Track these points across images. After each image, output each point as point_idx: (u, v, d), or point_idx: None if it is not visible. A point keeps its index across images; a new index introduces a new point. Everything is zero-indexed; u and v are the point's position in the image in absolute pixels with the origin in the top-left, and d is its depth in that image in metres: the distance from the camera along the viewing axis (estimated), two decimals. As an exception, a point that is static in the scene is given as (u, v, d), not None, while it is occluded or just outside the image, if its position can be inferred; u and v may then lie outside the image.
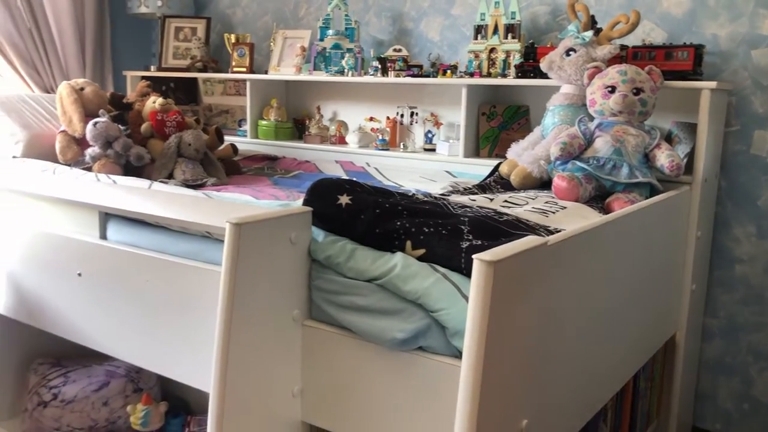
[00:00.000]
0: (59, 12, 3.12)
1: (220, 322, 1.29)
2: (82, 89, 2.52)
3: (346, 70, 2.75)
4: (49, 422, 2.09)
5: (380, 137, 2.74)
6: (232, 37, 3.18)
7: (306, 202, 1.43)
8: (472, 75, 2.51)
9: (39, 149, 2.42)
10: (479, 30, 2.53)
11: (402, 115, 2.82)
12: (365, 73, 2.76)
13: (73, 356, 2.22)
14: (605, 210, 1.85)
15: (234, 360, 1.32)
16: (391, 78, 2.64)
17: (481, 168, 2.40)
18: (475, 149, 2.59)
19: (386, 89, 2.86)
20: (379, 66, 2.68)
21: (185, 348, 1.57)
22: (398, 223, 1.36)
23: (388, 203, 1.40)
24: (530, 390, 1.21)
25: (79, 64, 3.22)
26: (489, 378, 1.07)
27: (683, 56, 2.10)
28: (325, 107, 3.06)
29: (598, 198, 1.93)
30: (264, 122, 3.02)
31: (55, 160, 2.36)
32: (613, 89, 1.99)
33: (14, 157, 2.38)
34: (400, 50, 2.72)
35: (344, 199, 1.41)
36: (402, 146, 2.75)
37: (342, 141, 2.88)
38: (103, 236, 1.75)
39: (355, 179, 1.51)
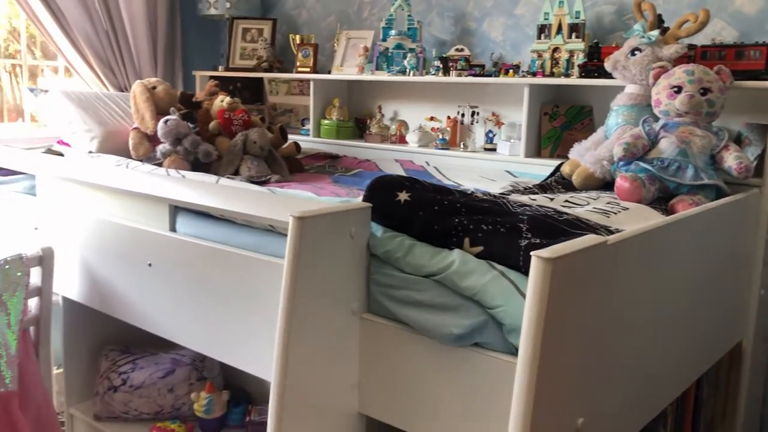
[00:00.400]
0: (134, 14, 3.25)
1: (282, 313, 1.33)
2: (154, 88, 2.62)
3: (407, 70, 2.78)
4: (119, 406, 2.19)
5: (440, 136, 2.76)
6: (297, 38, 3.24)
7: (366, 198, 1.46)
8: (534, 75, 2.50)
9: (113, 145, 2.53)
10: (543, 29, 2.51)
11: (463, 115, 2.82)
12: (427, 73, 2.78)
13: (141, 344, 2.31)
14: (669, 212, 1.82)
15: (294, 351, 1.35)
16: (453, 77, 2.65)
17: (542, 168, 2.38)
18: (537, 149, 2.57)
19: (447, 89, 2.88)
20: (441, 66, 2.70)
21: (247, 337, 1.62)
22: (456, 220, 1.38)
23: (446, 200, 1.42)
24: (587, 389, 1.21)
25: (151, 63, 3.34)
26: (544, 375, 1.07)
27: (755, 55, 2.04)
28: (387, 107, 3.09)
29: (662, 200, 1.90)
30: (326, 121, 3.08)
31: (129, 156, 2.46)
32: (679, 89, 1.95)
33: (90, 152, 2.49)
34: (462, 50, 2.73)
35: (403, 196, 1.43)
36: (462, 146, 2.75)
37: (402, 140, 2.91)
38: (173, 228, 1.83)
39: (414, 177, 1.53)
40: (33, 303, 2.03)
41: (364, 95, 3.18)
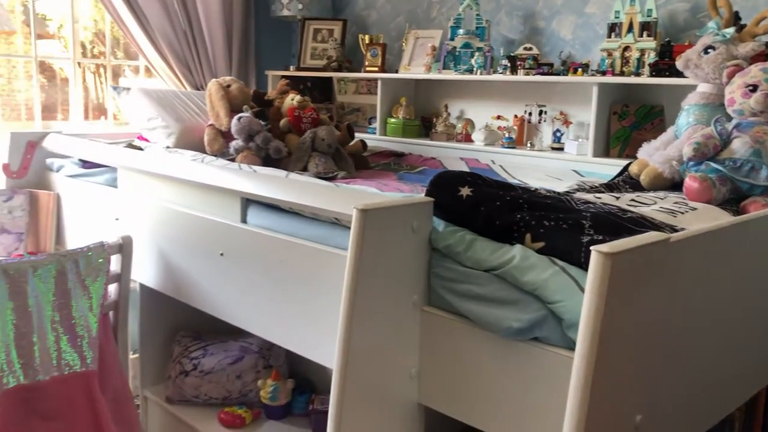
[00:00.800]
0: (210, 15, 3.38)
1: (345, 303, 1.37)
2: (228, 87, 2.71)
3: (474, 69, 2.79)
4: (190, 390, 2.28)
5: (506, 135, 2.76)
6: (366, 38, 3.30)
7: (428, 193, 1.49)
8: (604, 73, 2.47)
9: (189, 141, 2.63)
10: (613, 28, 2.48)
11: (530, 114, 2.81)
12: (494, 72, 2.78)
13: (212, 331, 2.40)
14: (740, 213, 1.78)
15: (356, 340, 1.39)
16: (520, 76, 2.65)
17: (609, 168, 2.35)
18: (605, 149, 2.54)
19: (515, 88, 2.87)
20: (509, 64, 2.70)
21: (312, 326, 1.67)
22: (518, 216, 1.39)
23: (509, 196, 1.44)
24: (646, 386, 1.21)
25: (226, 63, 3.46)
26: (601, 370, 1.08)
27: (837, 53, 1.96)
28: (453, 105, 3.11)
29: (733, 201, 1.85)
30: (393, 120, 3.12)
31: (203, 151, 2.56)
32: (754, 88, 1.90)
33: (167, 147, 2.61)
34: (530, 48, 2.72)
35: (465, 191, 1.45)
36: (529, 145, 2.75)
37: (468, 139, 2.92)
38: (244, 220, 1.90)
39: (477, 173, 1.55)
40: (113, 288, 2.15)
41: (431, 94, 3.21)
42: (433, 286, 1.48)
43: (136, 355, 2.51)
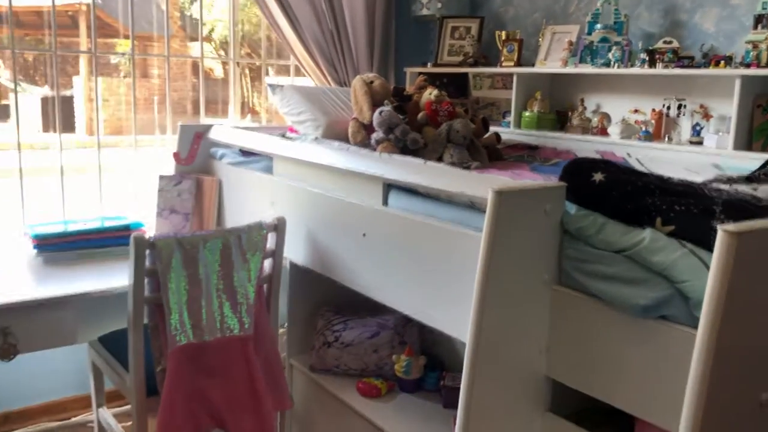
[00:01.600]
0: (355, 16, 3.59)
1: (479, 281, 1.49)
2: (371, 83, 2.90)
3: (612, 63, 2.80)
4: (331, 360, 2.49)
5: (643, 129, 2.75)
6: (503, 34, 3.38)
7: (562, 178, 1.58)
8: (748, 66, 2.42)
9: (334, 133, 2.84)
10: (759, 19, 2.43)
11: (668, 107, 2.79)
12: (631, 65, 2.79)
13: (352, 307, 2.59)
14: None
15: (488, 316, 1.51)
16: (659, 69, 2.64)
17: (751, 162, 2.30)
18: (747, 142, 2.49)
19: (653, 81, 2.86)
20: (647, 58, 2.69)
21: (446, 301, 1.80)
22: (649, 201, 1.45)
23: (640, 182, 1.50)
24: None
25: (368, 60, 3.67)
26: (723, 347, 1.13)
27: None
28: (589, 99, 3.13)
29: None
30: (527, 113, 3.19)
31: (347, 142, 2.76)
32: None
33: (315, 138, 2.83)
34: (670, 42, 2.70)
35: (598, 177, 1.53)
36: (667, 138, 2.73)
37: (603, 132, 2.94)
38: (385, 203, 2.07)
39: (610, 161, 1.61)
40: (267, 263, 2.39)
41: (567, 88, 3.24)
42: (564, 266, 1.57)
43: (284, 329, 2.75)
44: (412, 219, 1.93)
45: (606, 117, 2.97)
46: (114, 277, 2.36)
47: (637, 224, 1.46)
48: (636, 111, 2.92)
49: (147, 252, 2.10)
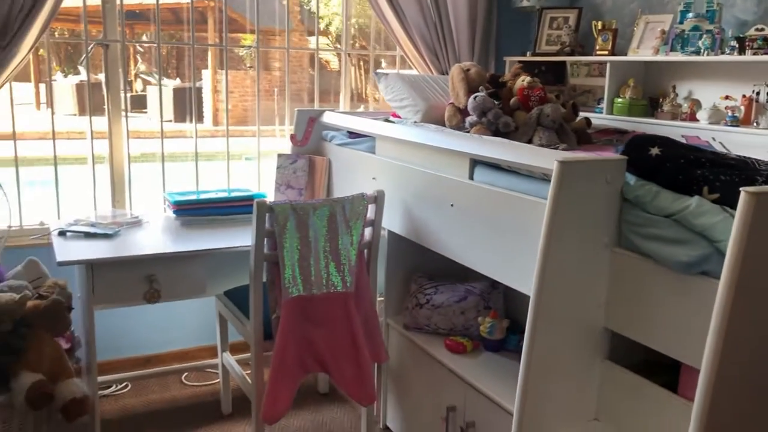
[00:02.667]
0: (458, 9, 3.83)
1: (542, 240, 1.72)
2: (468, 70, 3.14)
3: (701, 50, 2.90)
4: (422, 320, 2.77)
5: (730, 114, 2.84)
6: (599, 24, 3.52)
7: (624, 152, 1.78)
8: (837, 51, 2.47)
9: (432, 117, 3.10)
10: None
11: (758, 93, 2.86)
12: (722, 53, 2.87)
13: (443, 275, 2.86)
14: None
15: (550, 271, 1.73)
16: (747, 56, 2.72)
17: (836, 145, 2.38)
18: (835, 127, 2.53)
19: (743, 68, 2.92)
20: (737, 45, 2.77)
21: (522, 262, 2.02)
22: (698, 172, 1.63)
23: (692, 156, 1.68)
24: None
25: (469, 50, 3.90)
26: (743, 293, 1.31)
27: None
28: (681, 86, 3.22)
29: None
30: (619, 100, 3.32)
31: (444, 125, 3.02)
32: None
33: (414, 122, 3.11)
34: (762, 29, 2.77)
35: (655, 150, 1.72)
36: (755, 124, 2.80)
37: (693, 118, 3.03)
38: (471, 177, 2.32)
39: (668, 136, 1.79)
40: (368, 231, 2.70)
41: (660, 76, 3.34)
42: (622, 230, 1.76)
43: (382, 298, 3.06)
44: (494, 191, 2.17)
45: (696, 103, 3.06)
46: (238, 238, 2.74)
47: (687, 193, 1.63)
48: (727, 97, 2.99)
49: (267, 215, 2.46)
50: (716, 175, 1.59)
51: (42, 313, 2.44)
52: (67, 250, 2.52)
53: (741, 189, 1.30)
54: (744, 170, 1.62)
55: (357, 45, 4.23)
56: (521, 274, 2.05)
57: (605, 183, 1.74)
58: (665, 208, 1.64)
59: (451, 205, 2.37)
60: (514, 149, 2.17)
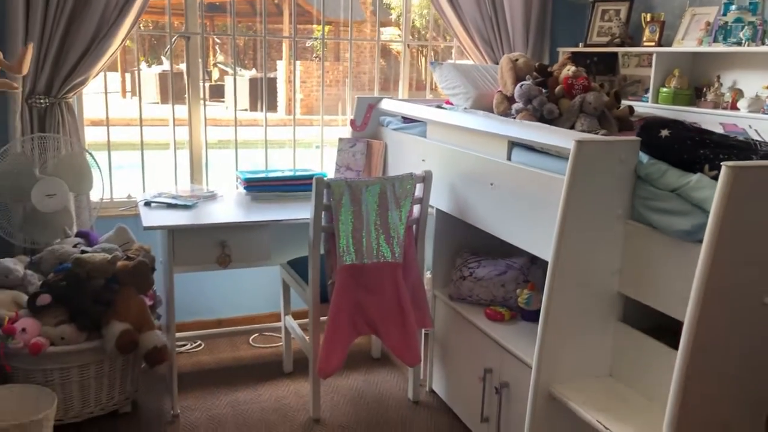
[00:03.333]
0: (513, 3, 4.02)
1: (560, 211, 1.93)
2: (516, 60, 3.34)
3: (743, 41, 3.01)
4: (465, 291, 3.00)
5: (767, 102, 2.94)
6: (648, 16, 3.64)
7: (638, 134, 1.97)
8: None
9: (482, 104, 3.32)
10: None
11: (797, 83, 2.95)
12: (762, 43, 2.97)
13: (485, 251, 3.08)
14: None
15: (567, 240, 1.95)
16: (786, 47, 2.82)
17: None
18: None
19: (786, 58, 3.02)
20: (776, 36, 2.88)
21: (551, 234, 2.23)
22: (702, 152, 1.81)
23: (698, 137, 1.86)
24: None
25: (523, 42, 4.08)
26: (724, 256, 1.51)
27: None
28: (726, 76, 3.33)
29: None
30: (664, 89, 3.45)
31: (492, 112, 3.23)
32: None
33: (465, 108, 3.34)
34: (803, 21, 2.86)
35: (664, 132, 1.90)
36: (794, 112, 2.90)
37: (734, 107, 3.14)
38: (509, 158, 2.54)
39: (679, 119, 1.97)
40: (416, 209, 2.95)
41: (706, 66, 3.45)
42: (634, 204, 1.96)
43: (430, 275, 3.31)
44: (529, 170, 2.38)
45: (738, 92, 3.17)
46: (300, 212, 3.04)
47: (691, 170, 1.81)
48: (768, 87, 3.09)
49: (324, 191, 2.75)
50: (716, 154, 1.77)
51: (130, 271, 2.81)
52: (152, 218, 2.88)
53: (722, 164, 1.49)
54: (744, 150, 1.79)
55: (427, 36, 4.48)
56: (549, 245, 2.25)
57: (619, 162, 1.94)
58: (671, 183, 1.83)
59: (491, 184, 2.60)
60: (544, 132, 2.37)
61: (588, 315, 2.05)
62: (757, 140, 1.94)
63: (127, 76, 13.49)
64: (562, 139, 2.19)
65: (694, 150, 1.82)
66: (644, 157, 1.96)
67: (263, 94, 4.08)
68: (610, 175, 1.94)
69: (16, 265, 2.81)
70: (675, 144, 1.87)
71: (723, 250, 1.50)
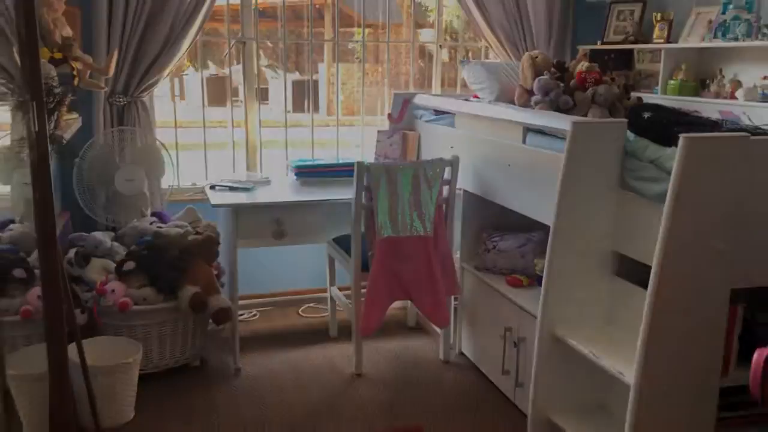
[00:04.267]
0: (536, 5, 4.39)
1: (560, 181, 2.33)
2: (536, 57, 3.72)
3: (739, 37, 3.35)
4: (489, 262, 3.40)
5: (761, 91, 3.28)
6: (658, 15, 3.99)
7: (627, 116, 2.35)
8: None
9: (505, 97, 3.70)
10: None
11: (788, 74, 3.27)
12: (757, 39, 3.31)
13: (507, 228, 3.47)
14: None
15: (566, 205, 2.34)
16: (775, 41, 3.16)
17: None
18: None
19: (779, 51, 3.35)
20: (767, 31, 3.21)
21: (554, 204, 2.63)
22: (676, 129, 2.18)
23: (674, 118, 2.23)
24: (723, 226, 1.95)
25: (545, 41, 4.45)
26: (680, 220, 1.89)
27: None
28: (728, 69, 3.66)
29: None
30: (672, 81, 3.80)
31: (514, 104, 3.62)
32: None
33: (489, 101, 3.73)
34: (793, 17, 3.19)
35: (646, 114, 2.28)
36: (785, 100, 3.22)
37: (733, 96, 3.48)
38: (523, 142, 2.93)
39: (660, 104, 2.35)
40: (446, 190, 3.36)
41: (711, 61, 3.79)
42: (623, 175, 2.34)
43: (458, 255, 3.70)
44: (540, 152, 2.78)
45: (738, 83, 3.50)
46: (343, 192, 3.48)
47: (668, 145, 2.19)
48: (765, 78, 3.42)
49: (365, 174, 3.18)
50: (687, 131, 2.14)
51: (199, 244, 3.29)
52: (218, 198, 3.35)
53: (680, 135, 1.87)
54: (711, 128, 2.16)
55: (462, 37, 4.89)
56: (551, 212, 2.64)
57: (611, 140, 2.33)
58: (650, 156, 2.21)
59: (509, 165, 2.99)
60: (550, 117, 2.77)
61: (587, 271, 2.43)
62: (729, 119, 2.30)
63: (176, 80, 14.15)
64: (563, 122, 2.58)
65: (670, 128, 2.20)
66: (631, 136, 2.34)
67: (309, 95, 4.53)
68: (603, 152, 2.33)
69: (104, 237, 3.32)
70: (654, 124, 2.25)
71: (682, 205, 1.88)
